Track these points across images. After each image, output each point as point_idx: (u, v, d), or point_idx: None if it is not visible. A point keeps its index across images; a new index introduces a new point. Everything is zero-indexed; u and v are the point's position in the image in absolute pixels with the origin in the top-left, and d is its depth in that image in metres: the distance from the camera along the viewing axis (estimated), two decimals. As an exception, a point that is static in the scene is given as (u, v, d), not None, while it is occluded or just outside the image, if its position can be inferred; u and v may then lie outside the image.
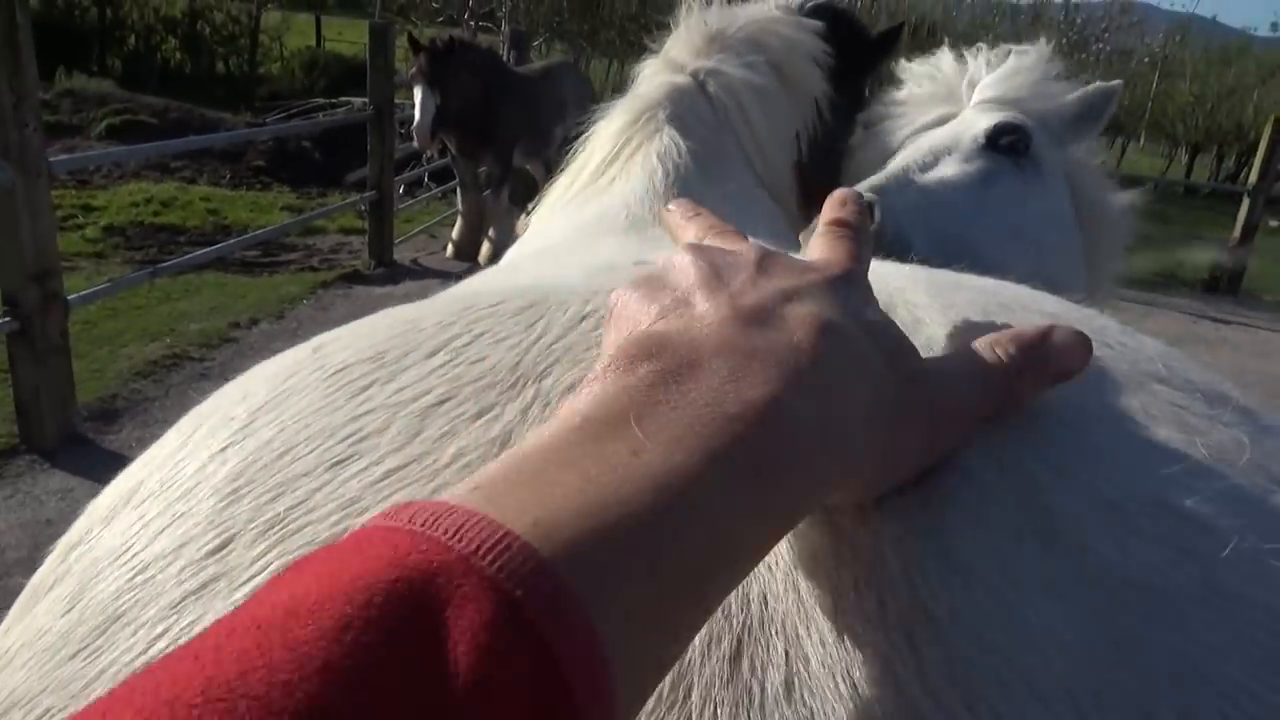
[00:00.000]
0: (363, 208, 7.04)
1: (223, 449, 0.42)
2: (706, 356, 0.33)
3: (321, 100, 12.05)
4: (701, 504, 0.28)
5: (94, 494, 0.47)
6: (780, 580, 0.36)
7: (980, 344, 0.43)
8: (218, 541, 0.37)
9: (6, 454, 3.64)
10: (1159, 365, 0.47)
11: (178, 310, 5.44)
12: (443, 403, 0.42)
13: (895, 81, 1.94)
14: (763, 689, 0.32)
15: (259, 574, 0.35)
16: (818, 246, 0.45)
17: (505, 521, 0.25)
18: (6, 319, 3.55)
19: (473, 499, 0.26)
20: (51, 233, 3.68)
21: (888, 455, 0.37)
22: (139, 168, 8.89)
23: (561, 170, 1.86)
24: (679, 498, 0.28)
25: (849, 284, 0.41)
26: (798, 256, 0.43)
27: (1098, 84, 1.73)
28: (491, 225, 7.21)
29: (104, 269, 6.00)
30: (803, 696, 0.32)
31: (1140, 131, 20.96)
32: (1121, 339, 0.50)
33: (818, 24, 2.13)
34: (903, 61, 1.97)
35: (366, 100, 6.73)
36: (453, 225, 7.48)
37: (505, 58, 8.54)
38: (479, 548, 0.24)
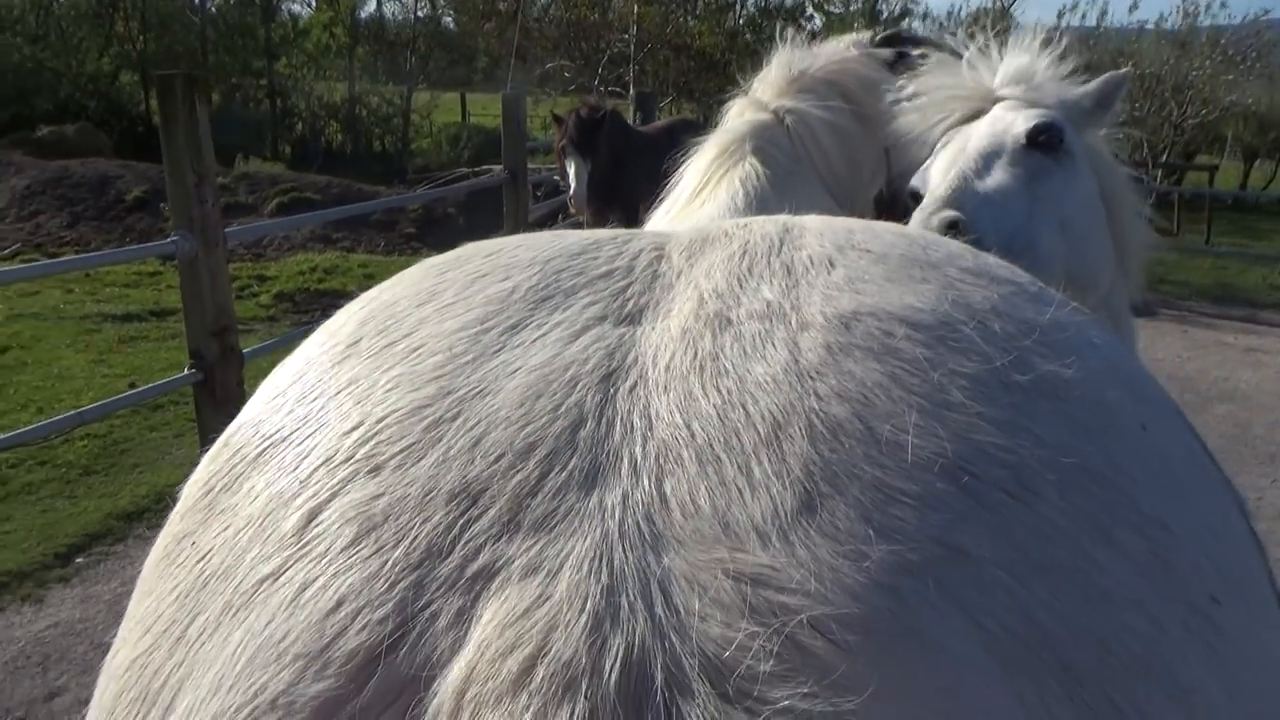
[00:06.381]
0: (501, 266, 7.49)
1: (363, 306, 0.75)
2: None
3: (465, 170, 12.87)
4: None
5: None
6: None
7: None
8: (351, 339, 0.69)
9: (191, 490, 4.12)
10: (967, 261, 0.67)
11: (336, 364, 5.97)
12: (484, 275, 0.72)
13: (907, 77, 2.02)
14: None
15: (375, 352, 0.65)
16: None
17: None
18: (193, 370, 4.05)
19: None
20: (228, 294, 4.18)
21: None
22: (305, 240, 9.77)
23: (662, 199, 2.12)
24: None
25: None
26: None
27: (1109, 74, 1.86)
28: (620, 277, 7.50)
29: (275, 330, 6.65)
30: None
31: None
32: (950, 247, 0.70)
33: (888, 54, 2.27)
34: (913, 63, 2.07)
35: (503, 166, 7.22)
36: (584, 279, 7.83)
37: (632, 119, 8.95)
38: None
